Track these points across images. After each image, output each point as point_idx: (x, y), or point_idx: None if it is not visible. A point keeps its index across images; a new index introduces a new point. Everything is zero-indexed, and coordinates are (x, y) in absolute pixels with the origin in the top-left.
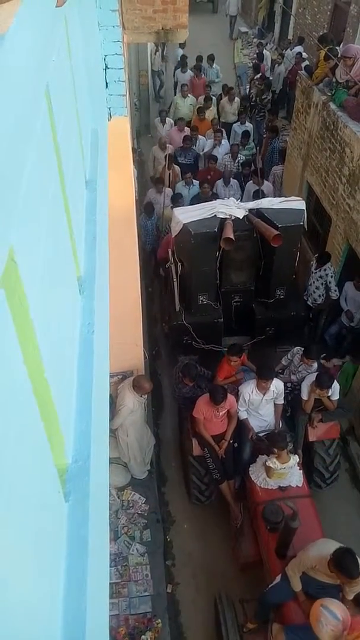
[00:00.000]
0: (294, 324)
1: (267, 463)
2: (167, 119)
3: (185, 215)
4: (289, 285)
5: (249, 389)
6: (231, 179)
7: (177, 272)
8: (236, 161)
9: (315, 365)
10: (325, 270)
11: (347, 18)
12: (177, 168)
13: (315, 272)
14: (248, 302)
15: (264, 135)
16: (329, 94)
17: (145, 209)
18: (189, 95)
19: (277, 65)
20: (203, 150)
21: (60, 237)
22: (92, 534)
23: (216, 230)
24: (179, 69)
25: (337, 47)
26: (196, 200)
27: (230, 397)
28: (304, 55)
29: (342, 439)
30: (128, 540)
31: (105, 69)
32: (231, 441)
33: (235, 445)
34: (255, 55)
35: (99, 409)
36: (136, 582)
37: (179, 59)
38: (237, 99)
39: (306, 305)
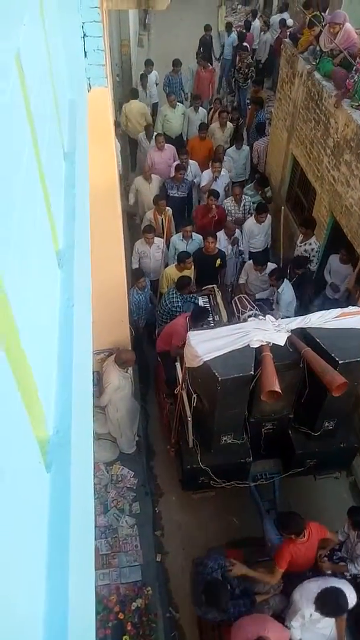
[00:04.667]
0: (343, 456)
1: None
2: (154, 134)
3: (205, 346)
4: (342, 416)
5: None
6: (236, 229)
7: (192, 403)
8: (241, 206)
9: None
10: (310, 244)
11: None
12: (169, 212)
13: (301, 246)
14: (283, 429)
15: (249, 107)
16: (314, 63)
17: (135, 273)
18: (177, 104)
19: (262, 33)
20: (194, 177)
21: (36, 209)
22: (74, 502)
23: (252, 372)
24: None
25: (322, 14)
26: (198, 253)
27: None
28: (289, 22)
29: None
30: (117, 513)
31: (84, 37)
32: None
33: None
34: (241, 24)
35: (80, 381)
36: (126, 552)
37: (145, 64)
38: (230, 124)
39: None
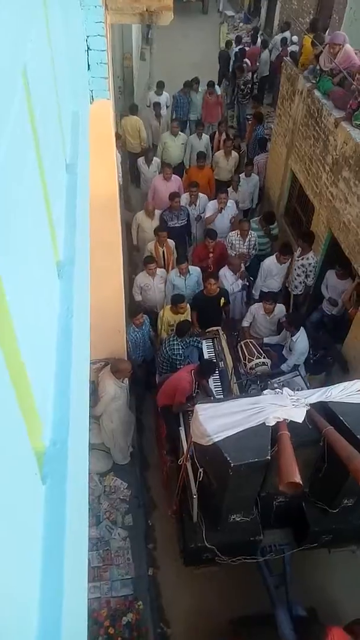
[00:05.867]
0: None
1: None
2: (154, 158)
3: (216, 423)
4: None
5: None
6: (242, 264)
7: (198, 477)
8: (246, 240)
9: None
10: (308, 259)
11: (334, 4)
12: (171, 244)
13: (298, 260)
14: (297, 503)
15: (249, 122)
16: (314, 81)
17: (130, 313)
18: (180, 133)
19: (262, 51)
20: (202, 212)
21: (38, 220)
22: (69, 515)
23: (268, 457)
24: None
25: (322, 34)
26: (200, 295)
27: None
28: (294, 38)
29: None
30: (110, 525)
31: (87, 51)
32: None
33: None
34: (248, 39)
35: (78, 393)
36: (118, 565)
37: (157, 85)
38: (234, 154)
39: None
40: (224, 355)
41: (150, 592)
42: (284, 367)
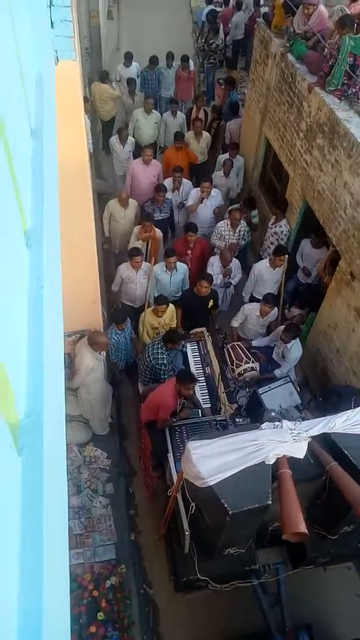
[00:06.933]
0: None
1: None
2: (129, 138)
3: (211, 464)
4: None
5: None
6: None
7: (189, 510)
8: (237, 231)
9: None
10: (280, 226)
11: None
12: (158, 233)
13: (271, 228)
14: None
15: (222, 87)
16: (287, 44)
17: (115, 317)
18: (153, 110)
19: (235, 12)
20: (185, 199)
21: (1, 186)
22: (47, 485)
23: (269, 501)
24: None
25: None
26: (189, 294)
27: None
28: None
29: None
30: (91, 493)
31: (50, 7)
32: None
33: None
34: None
35: (52, 365)
36: (100, 532)
37: (125, 57)
38: (206, 134)
39: None
40: (210, 359)
41: (132, 556)
42: (277, 372)
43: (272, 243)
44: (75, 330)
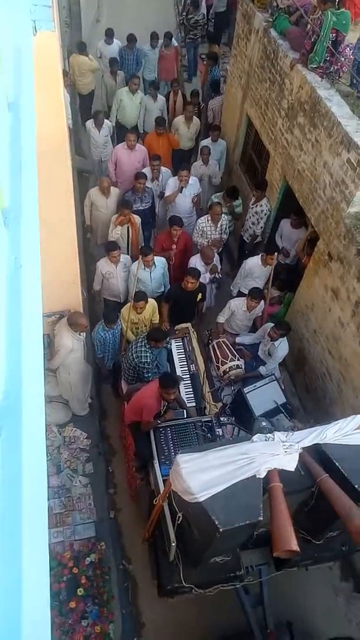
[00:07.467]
0: (342, 555)
1: None
2: (105, 121)
3: (201, 479)
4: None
5: None
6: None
7: (176, 520)
8: (218, 225)
9: None
10: (261, 206)
11: None
12: (137, 220)
13: (252, 207)
14: None
15: (204, 62)
16: (270, 19)
17: (107, 316)
18: (139, 91)
19: None
20: (164, 188)
21: None
22: (26, 465)
23: (260, 517)
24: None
25: None
26: (176, 289)
27: None
28: None
29: None
30: (71, 473)
31: None
32: None
33: None
34: None
35: (30, 345)
36: (80, 510)
37: (105, 34)
38: (196, 119)
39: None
40: (195, 356)
41: (112, 534)
42: (262, 369)
43: (253, 223)
44: (54, 311)
